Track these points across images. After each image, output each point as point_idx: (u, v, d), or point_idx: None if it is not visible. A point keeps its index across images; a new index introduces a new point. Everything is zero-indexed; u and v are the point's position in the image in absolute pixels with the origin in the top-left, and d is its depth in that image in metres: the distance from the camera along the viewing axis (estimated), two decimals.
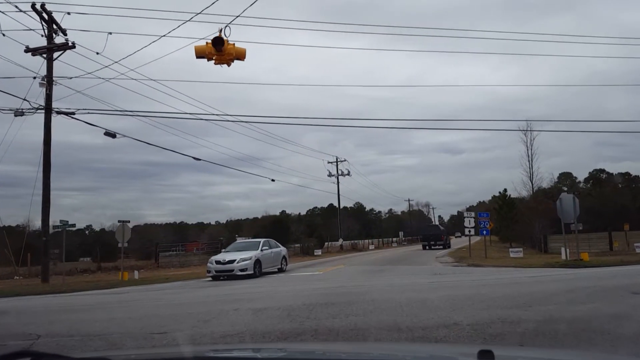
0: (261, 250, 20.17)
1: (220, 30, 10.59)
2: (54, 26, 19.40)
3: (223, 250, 22.38)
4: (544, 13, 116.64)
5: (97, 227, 74.23)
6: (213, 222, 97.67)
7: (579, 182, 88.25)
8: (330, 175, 57.16)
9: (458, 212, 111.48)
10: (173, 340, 6.09)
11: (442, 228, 54.82)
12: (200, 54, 10.72)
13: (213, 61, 10.71)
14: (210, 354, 2.45)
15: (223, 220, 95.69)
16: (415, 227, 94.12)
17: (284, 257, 22.55)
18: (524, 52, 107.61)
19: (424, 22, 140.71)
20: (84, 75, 19.98)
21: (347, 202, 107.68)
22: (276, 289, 13.18)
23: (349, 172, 57.92)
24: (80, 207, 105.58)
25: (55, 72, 19.69)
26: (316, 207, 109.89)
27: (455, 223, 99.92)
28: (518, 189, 45.15)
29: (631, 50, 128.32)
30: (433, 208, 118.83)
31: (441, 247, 44.88)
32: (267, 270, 20.45)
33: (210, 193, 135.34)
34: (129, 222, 23.77)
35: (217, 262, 19.06)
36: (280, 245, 23.26)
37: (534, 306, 7.44)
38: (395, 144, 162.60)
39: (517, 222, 41.34)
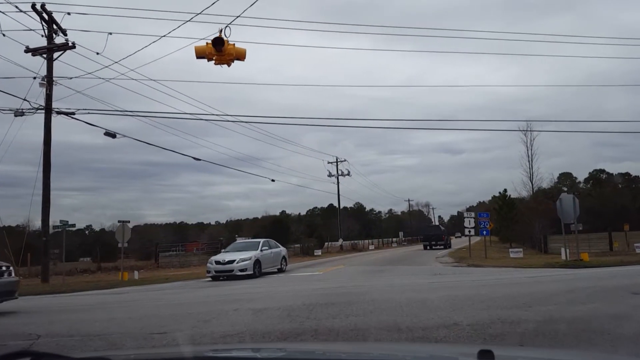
0: (261, 250, 20.17)
1: (221, 31, 10.60)
2: (54, 26, 19.41)
3: (223, 250, 22.38)
4: (544, 13, 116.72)
5: (97, 227, 74.37)
6: (213, 222, 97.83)
7: (579, 182, 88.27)
8: (330, 175, 57.22)
9: (458, 212, 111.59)
10: (173, 340, 6.09)
11: (442, 228, 55.16)
12: (200, 54, 10.73)
13: (213, 61, 10.72)
14: (209, 353, 2.45)
15: (223, 221, 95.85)
16: (415, 227, 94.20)
17: (283, 257, 22.55)
18: (523, 52, 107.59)
19: (424, 22, 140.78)
20: (84, 75, 20.01)
21: (347, 202, 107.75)
22: (276, 289, 13.18)
23: (348, 172, 58.00)
24: (80, 207, 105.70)
25: (55, 72, 19.71)
26: (316, 207, 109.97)
27: (455, 223, 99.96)
28: (518, 189, 45.26)
29: (631, 50, 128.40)
30: (433, 208, 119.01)
31: (442, 247, 45.14)
32: (266, 271, 20.45)
33: (210, 193, 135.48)
34: (129, 222, 23.79)
35: (217, 262, 19.06)
36: (280, 245, 23.25)
37: (534, 306, 7.44)
38: (395, 144, 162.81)
39: (517, 223, 41.36)
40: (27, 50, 19.33)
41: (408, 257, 32.36)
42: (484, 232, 29.27)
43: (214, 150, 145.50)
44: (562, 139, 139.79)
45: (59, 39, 19.63)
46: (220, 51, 10.52)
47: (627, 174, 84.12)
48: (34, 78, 19.48)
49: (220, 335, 6.22)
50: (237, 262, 18.66)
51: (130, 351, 5.02)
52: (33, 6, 18.47)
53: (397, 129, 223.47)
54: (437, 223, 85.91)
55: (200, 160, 26.74)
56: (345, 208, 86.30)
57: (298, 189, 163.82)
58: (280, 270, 21.72)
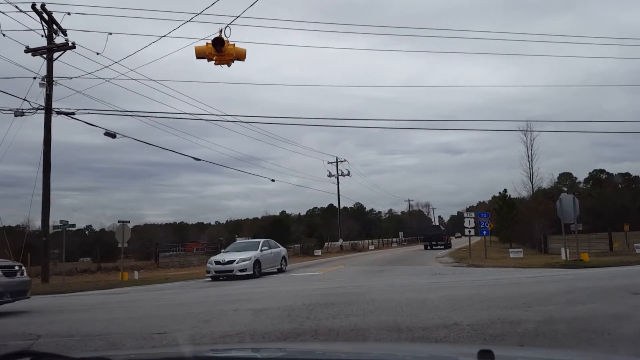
0: (261, 250, 20.17)
1: (221, 31, 10.60)
2: (54, 26, 19.41)
3: (222, 250, 22.38)
4: (544, 13, 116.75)
5: (97, 227, 74.33)
6: (213, 222, 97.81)
7: (579, 182, 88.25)
8: (330, 175, 57.23)
9: (458, 212, 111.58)
10: (173, 340, 6.09)
11: (443, 228, 55.55)
12: (200, 54, 10.73)
13: (213, 62, 10.72)
14: (209, 353, 2.45)
15: (223, 221, 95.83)
16: (415, 228, 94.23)
17: (283, 257, 22.55)
18: (523, 52, 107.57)
19: (424, 23, 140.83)
20: (84, 75, 20.00)
21: (347, 203, 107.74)
22: (276, 289, 13.18)
23: (348, 172, 58.00)
24: (80, 207, 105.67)
25: (55, 72, 19.71)
26: (316, 208, 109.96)
27: (455, 223, 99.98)
28: (518, 189, 45.24)
29: (631, 51, 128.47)
30: (433, 208, 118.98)
31: (442, 247, 45.40)
32: (266, 271, 20.45)
33: (210, 193, 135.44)
34: (129, 222, 23.78)
35: (217, 263, 19.06)
36: (279, 245, 23.25)
37: (534, 306, 7.44)
38: (395, 144, 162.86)
39: (517, 223, 41.37)
40: (27, 50, 19.33)
41: (408, 257, 32.36)
42: (484, 232, 29.27)
43: (214, 150, 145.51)
44: (562, 139, 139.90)
45: (59, 39, 19.65)
46: (220, 51, 10.53)
47: (627, 174, 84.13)
48: (34, 78, 19.49)
49: (220, 336, 6.22)
50: (237, 262, 18.66)
51: (130, 351, 5.02)
52: (33, 6, 18.47)
53: (397, 129, 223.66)
54: (437, 223, 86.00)
55: (200, 160, 26.77)
56: (345, 208, 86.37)
57: (298, 189, 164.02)
58: (280, 271, 21.72)
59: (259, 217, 77.04)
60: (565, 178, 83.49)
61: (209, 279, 19.15)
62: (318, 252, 43.48)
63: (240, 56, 10.92)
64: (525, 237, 39.31)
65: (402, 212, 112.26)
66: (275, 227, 49.48)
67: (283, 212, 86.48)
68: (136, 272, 24.81)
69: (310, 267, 25.09)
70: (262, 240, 21.63)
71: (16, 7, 18.02)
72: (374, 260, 29.56)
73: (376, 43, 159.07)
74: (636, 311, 7.04)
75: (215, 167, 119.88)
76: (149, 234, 53.75)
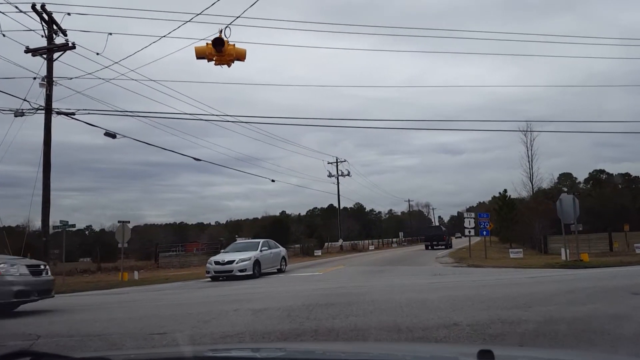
0: (260, 250, 20.18)
1: (221, 31, 10.61)
2: (54, 27, 19.40)
3: (222, 250, 22.38)
4: (544, 13, 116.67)
5: (97, 228, 74.24)
6: (213, 223, 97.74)
7: (579, 182, 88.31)
8: (330, 175, 57.25)
9: (458, 212, 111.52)
10: (173, 340, 6.09)
11: (444, 229, 55.89)
12: (200, 54, 10.73)
13: (213, 62, 10.72)
14: (209, 353, 2.45)
15: (223, 221, 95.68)
16: (415, 228, 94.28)
17: (283, 257, 22.55)
18: (523, 52, 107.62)
19: (424, 23, 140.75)
20: (84, 75, 19.98)
21: (347, 203, 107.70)
22: (276, 290, 13.18)
23: (349, 172, 58.02)
24: (80, 207, 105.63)
25: (55, 73, 19.69)
26: (316, 208, 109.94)
27: (455, 223, 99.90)
28: (518, 189, 45.26)
29: (631, 51, 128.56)
30: (433, 208, 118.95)
31: (443, 247, 45.82)
32: (266, 271, 20.45)
33: (210, 193, 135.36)
34: (129, 222, 23.80)
35: (216, 263, 19.07)
36: (279, 245, 23.26)
37: (534, 307, 7.44)
38: (395, 144, 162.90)
39: (517, 223, 41.36)
40: (27, 50, 19.32)
41: (408, 257, 32.36)
42: (484, 233, 29.28)
43: (214, 150, 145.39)
44: (562, 139, 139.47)
45: (59, 40, 19.62)
46: (220, 52, 10.53)
47: (627, 174, 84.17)
48: (34, 78, 19.47)
49: (220, 336, 6.22)
50: (237, 263, 18.66)
51: (130, 351, 5.02)
52: (33, 6, 18.46)
53: (397, 129, 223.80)
54: (437, 223, 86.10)
55: (200, 160, 26.71)
56: (345, 208, 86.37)
57: (298, 189, 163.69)
58: (280, 271, 21.72)
59: (259, 217, 77.05)
60: (565, 178, 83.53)
61: (209, 279, 19.16)
62: (318, 253, 43.49)
63: (240, 56, 10.92)
64: (525, 237, 39.31)
65: (402, 213, 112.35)
66: (275, 227, 49.43)
67: (283, 213, 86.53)
68: (136, 273, 24.82)
69: (310, 268, 25.09)
70: (261, 241, 21.63)
71: (16, 7, 18.02)
72: (374, 260, 29.56)
73: (376, 43, 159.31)
74: (636, 311, 7.04)
75: (215, 167, 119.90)
76: (149, 234, 53.71)
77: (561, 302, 8.05)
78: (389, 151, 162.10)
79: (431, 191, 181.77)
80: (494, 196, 53.63)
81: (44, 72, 19.55)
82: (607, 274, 13.98)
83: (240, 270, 18.54)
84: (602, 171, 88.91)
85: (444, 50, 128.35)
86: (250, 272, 18.65)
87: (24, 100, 18.71)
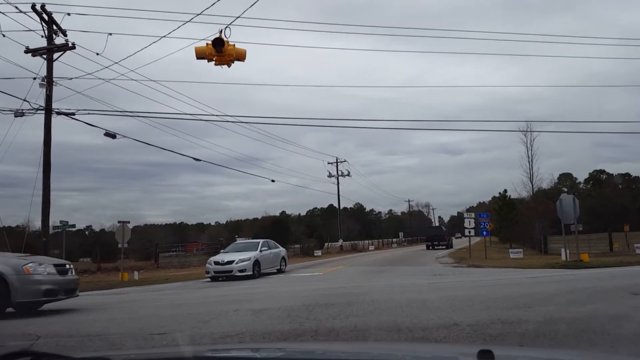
0: (260, 251, 20.18)
1: (221, 31, 10.61)
2: (54, 27, 19.40)
3: (222, 251, 22.39)
4: (544, 13, 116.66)
5: (97, 228, 74.15)
6: (213, 223, 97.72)
7: (579, 182, 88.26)
8: (330, 175, 57.27)
9: (458, 212, 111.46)
10: (173, 340, 6.09)
11: (444, 229, 56.26)
12: (200, 54, 10.73)
13: (213, 62, 10.72)
14: (209, 353, 2.45)
15: (223, 221, 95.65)
16: (415, 228, 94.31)
17: (283, 257, 22.55)
18: (523, 52, 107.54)
19: (424, 23, 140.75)
20: (84, 76, 19.98)
21: (347, 203, 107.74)
22: (276, 290, 13.18)
23: (349, 172, 58.03)
24: (80, 207, 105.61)
25: (55, 73, 19.69)
26: (316, 208, 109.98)
27: (455, 224, 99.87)
28: (518, 189, 45.34)
29: (631, 51, 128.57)
30: (433, 209, 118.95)
31: (444, 247, 46.20)
32: (266, 271, 20.45)
33: (210, 193, 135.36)
34: (129, 222, 23.81)
35: (216, 263, 19.07)
36: (279, 246, 23.26)
37: (534, 307, 7.44)
38: (395, 144, 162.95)
39: (517, 223, 41.37)
40: (27, 50, 19.32)
41: (408, 257, 32.36)
42: (484, 233, 29.28)
43: (214, 150, 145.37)
44: (562, 139, 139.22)
45: (58, 40, 19.62)
46: (220, 52, 10.53)
47: (627, 174, 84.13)
48: (34, 79, 19.46)
49: (220, 336, 6.22)
50: (236, 263, 18.66)
51: (130, 351, 5.02)
52: (33, 7, 18.46)
53: (397, 129, 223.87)
54: (437, 224, 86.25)
55: (200, 160, 26.69)
56: (345, 208, 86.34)
57: (298, 190, 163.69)
58: (280, 271, 21.72)
59: (259, 217, 76.96)
60: (565, 178, 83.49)
61: (209, 279, 19.16)
62: (318, 253, 43.48)
63: (240, 56, 10.92)
64: (525, 237, 39.32)
65: (402, 213, 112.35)
66: (275, 227, 49.39)
67: (283, 213, 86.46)
68: (136, 273, 24.82)
69: (310, 268, 25.08)
70: (261, 241, 21.63)
71: (16, 7, 18.02)
72: (374, 260, 29.56)
73: (376, 43, 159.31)
74: (636, 311, 7.04)
75: (215, 167, 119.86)
76: (149, 235, 53.67)
77: (561, 302, 8.05)
78: (389, 151, 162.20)
79: (431, 191, 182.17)
80: (494, 196, 53.66)
81: (44, 72, 19.55)
82: (607, 274, 13.98)
83: (240, 271, 18.54)
84: (602, 171, 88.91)
85: (444, 50, 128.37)
86: (250, 273, 18.65)
87: (24, 100, 18.72)
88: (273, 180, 36.41)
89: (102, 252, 37.56)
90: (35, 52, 19.44)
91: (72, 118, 19.72)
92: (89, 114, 20.27)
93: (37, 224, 27.75)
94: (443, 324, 6.25)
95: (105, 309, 10.51)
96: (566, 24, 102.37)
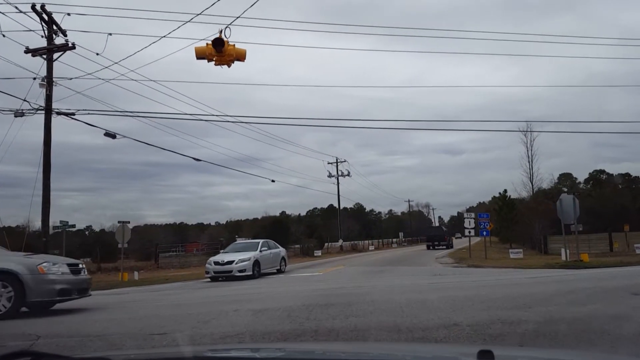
0: (260, 251, 20.17)
1: (221, 31, 10.61)
2: (54, 27, 19.40)
3: (222, 251, 22.39)
4: (544, 13, 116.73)
5: (97, 228, 74.04)
6: (213, 223, 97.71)
7: (579, 182, 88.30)
8: (330, 176, 57.26)
9: (458, 212, 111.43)
10: (173, 340, 6.09)
11: (445, 229, 56.50)
12: (200, 55, 10.73)
13: (213, 62, 10.72)
14: (209, 354, 2.45)
15: (223, 221, 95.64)
16: (415, 228, 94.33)
17: (283, 258, 22.55)
18: (523, 52, 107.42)
19: (424, 23, 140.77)
20: (84, 76, 19.97)
21: (347, 203, 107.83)
22: (275, 290, 13.18)
23: (349, 172, 58.01)
24: (80, 207, 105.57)
25: (55, 73, 19.69)
26: (316, 208, 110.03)
27: (455, 224, 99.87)
28: (518, 189, 45.29)
29: (631, 51, 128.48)
30: (433, 209, 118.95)
31: (445, 247, 46.45)
32: (266, 271, 20.45)
33: (210, 194, 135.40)
34: (129, 222, 23.82)
35: (216, 263, 19.06)
36: (279, 246, 23.26)
37: (534, 307, 7.44)
38: (396, 144, 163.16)
39: (517, 223, 41.35)
40: (27, 50, 19.32)
41: (408, 257, 32.35)
42: (484, 233, 29.27)
43: (214, 150, 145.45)
44: (562, 139, 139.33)
45: (58, 40, 19.62)
46: (220, 52, 10.53)
47: (627, 174, 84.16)
48: (34, 79, 19.46)
49: (220, 336, 6.21)
50: (236, 263, 18.66)
51: (130, 351, 5.02)
52: (33, 7, 18.46)
53: (397, 129, 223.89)
54: (437, 224, 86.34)
55: (200, 160, 26.68)
56: (345, 209, 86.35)
57: (298, 190, 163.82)
58: (280, 271, 21.72)
59: (259, 217, 76.94)
60: (565, 178, 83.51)
61: (208, 279, 19.16)
62: (318, 253, 43.46)
63: (240, 57, 10.92)
64: (525, 237, 39.30)
65: (402, 213, 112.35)
66: (275, 227, 49.37)
67: (283, 213, 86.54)
68: (136, 273, 24.82)
69: (310, 268, 25.07)
70: (261, 241, 21.63)
71: (16, 7, 18.02)
72: (374, 260, 29.55)
73: (376, 43, 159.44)
74: (636, 312, 7.04)
75: (215, 167, 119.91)
76: (149, 235, 53.64)
77: (561, 303, 8.05)
78: (389, 151, 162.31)
79: (431, 191, 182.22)
80: (494, 196, 53.63)
81: (44, 73, 19.55)
82: (607, 274, 13.98)
83: (240, 271, 18.54)
84: (602, 171, 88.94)
85: (444, 50, 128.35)
86: (250, 273, 18.65)
87: (24, 100, 18.71)
88: (273, 181, 36.44)
89: (102, 252, 37.55)
90: (35, 52, 19.43)
91: (72, 118, 19.73)
92: (89, 114, 20.28)
93: (37, 224, 27.79)
94: (443, 324, 6.25)
95: (105, 309, 10.51)
96: (566, 24, 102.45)
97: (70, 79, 20.17)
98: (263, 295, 11.73)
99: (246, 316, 7.85)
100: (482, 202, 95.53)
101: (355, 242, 67.00)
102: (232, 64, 10.92)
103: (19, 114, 18.95)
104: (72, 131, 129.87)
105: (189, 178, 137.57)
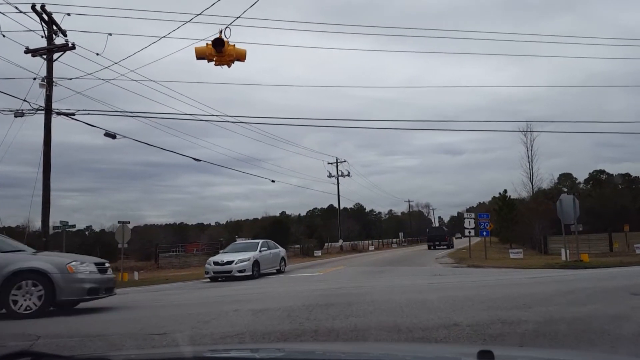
0: (260, 251, 20.17)
1: (221, 31, 10.61)
2: (54, 27, 19.40)
3: (222, 251, 22.39)
4: (544, 14, 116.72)
5: (97, 228, 73.96)
6: (213, 223, 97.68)
7: (579, 183, 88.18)
8: (330, 176, 57.28)
9: (458, 213, 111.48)
10: (173, 341, 6.09)
11: (445, 229, 56.72)
12: (200, 55, 10.73)
13: (213, 62, 10.72)
14: (208, 354, 2.44)
15: (223, 221, 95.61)
16: (415, 228, 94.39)
17: (282, 258, 22.55)
18: (524, 52, 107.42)
19: (424, 23, 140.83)
20: (84, 76, 19.97)
21: (347, 203, 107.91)
22: (275, 290, 13.18)
23: (349, 173, 58.04)
24: (80, 207, 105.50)
25: (55, 73, 19.69)
26: (316, 208, 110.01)
27: (455, 224, 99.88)
28: (518, 190, 45.34)
29: (631, 51, 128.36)
30: (433, 209, 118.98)
31: (445, 247, 46.72)
32: (265, 271, 20.45)
33: (210, 194, 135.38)
34: (129, 222, 23.84)
35: (215, 263, 19.07)
36: (279, 246, 23.26)
37: (534, 307, 7.44)
38: (396, 144, 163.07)
39: (517, 223, 41.37)
40: (27, 51, 19.32)
41: (408, 257, 32.36)
42: (484, 233, 29.27)
43: (214, 151, 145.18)
44: (562, 139, 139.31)
45: (58, 40, 19.62)
46: (220, 52, 10.53)
47: (627, 174, 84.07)
48: (34, 79, 19.46)
49: (220, 336, 6.21)
50: (236, 263, 18.66)
51: (130, 351, 5.02)
52: (33, 7, 18.46)
53: (397, 129, 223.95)
54: (437, 224, 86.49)
55: (200, 161, 26.69)
56: (345, 209, 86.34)
57: (298, 190, 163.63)
58: (279, 271, 21.72)
59: (259, 217, 76.91)
60: (565, 179, 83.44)
61: (208, 279, 19.16)
62: (318, 253, 43.47)
63: (240, 57, 10.92)
64: (525, 237, 39.31)
65: (402, 213, 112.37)
66: (275, 227, 49.34)
67: (283, 213, 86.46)
68: (136, 273, 24.83)
69: (310, 268, 25.07)
70: (261, 241, 21.63)
71: (16, 7, 18.02)
72: (374, 260, 29.55)
73: (376, 43, 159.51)
74: (636, 312, 7.04)
75: (215, 167, 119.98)
76: (149, 235, 53.60)
77: (561, 303, 8.05)
78: (389, 152, 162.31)
79: (431, 191, 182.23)
80: (494, 196, 53.62)
81: (43, 73, 19.56)
82: (607, 275, 13.98)
83: (239, 271, 18.54)
84: (602, 171, 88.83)
85: (444, 50, 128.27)
86: (249, 273, 18.64)
87: (24, 100, 18.72)
88: (273, 181, 36.49)
89: (102, 253, 37.39)
90: (35, 52, 19.44)
91: (72, 118, 19.73)
92: (89, 114, 20.28)
93: (37, 224, 27.73)
94: (443, 324, 6.25)
95: (105, 309, 10.50)
96: (566, 24, 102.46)
97: (70, 79, 20.18)
98: (263, 296, 11.73)
99: (246, 316, 7.85)
100: (482, 202, 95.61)
101: (355, 242, 66.99)
102: (232, 64, 10.92)
103: (19, 114, 18.95)
104: (72, 131, 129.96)
105: (189, 178, 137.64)
